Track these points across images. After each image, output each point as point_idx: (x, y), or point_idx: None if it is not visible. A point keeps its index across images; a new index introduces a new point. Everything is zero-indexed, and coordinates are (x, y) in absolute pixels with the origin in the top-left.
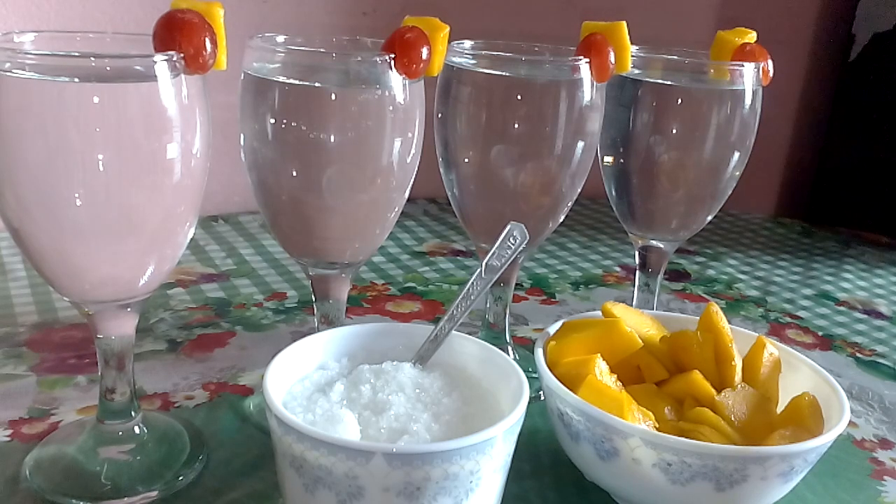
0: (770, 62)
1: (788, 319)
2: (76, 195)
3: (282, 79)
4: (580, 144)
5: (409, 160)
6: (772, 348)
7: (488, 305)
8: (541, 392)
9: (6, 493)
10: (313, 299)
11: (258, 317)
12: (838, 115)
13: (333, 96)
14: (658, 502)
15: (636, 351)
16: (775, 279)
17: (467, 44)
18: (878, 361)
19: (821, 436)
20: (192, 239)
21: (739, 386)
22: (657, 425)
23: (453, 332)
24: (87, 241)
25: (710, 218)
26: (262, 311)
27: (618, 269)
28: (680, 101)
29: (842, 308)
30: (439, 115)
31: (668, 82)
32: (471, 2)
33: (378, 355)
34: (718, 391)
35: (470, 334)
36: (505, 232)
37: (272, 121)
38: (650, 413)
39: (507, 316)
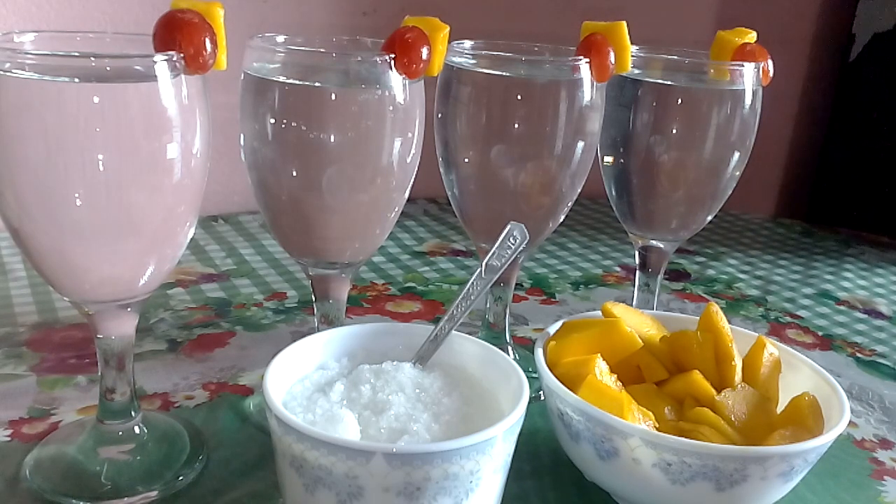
0: (770, 62)
1: (788, 319)
2: (76, 195)
3: (282, 79)
4: (580, 144)
5: (409, 160)
6: (772, 348)
7: (488, 305)
8: (541, 392)
9: (6, 493)
10: (313, 299)
11: (258, 317)
12: (838, 115)
13: (333, 96)
14: (658, 502)
15: (636, 351)
16: (775, 279)
17: (467, 44)
18: (878, 361)
19: (821, 436)
20: (192, 239)
21: (739, 386)
22: (657, 425)
23: (453, 332)
24: (87, 241)
25: (710, 218)
26: (262, 311)
27: (618, 269)
28: (680, 101)
29: (842, 308)
30: (439, 115)
31: (668, 82)
32: (471, 2)
33: (378, 355)
34: (718, 391)
35: (470, 334)
36: (505, 232)
37: (272, 121)
38: (650, 413)
39: (507, 316)
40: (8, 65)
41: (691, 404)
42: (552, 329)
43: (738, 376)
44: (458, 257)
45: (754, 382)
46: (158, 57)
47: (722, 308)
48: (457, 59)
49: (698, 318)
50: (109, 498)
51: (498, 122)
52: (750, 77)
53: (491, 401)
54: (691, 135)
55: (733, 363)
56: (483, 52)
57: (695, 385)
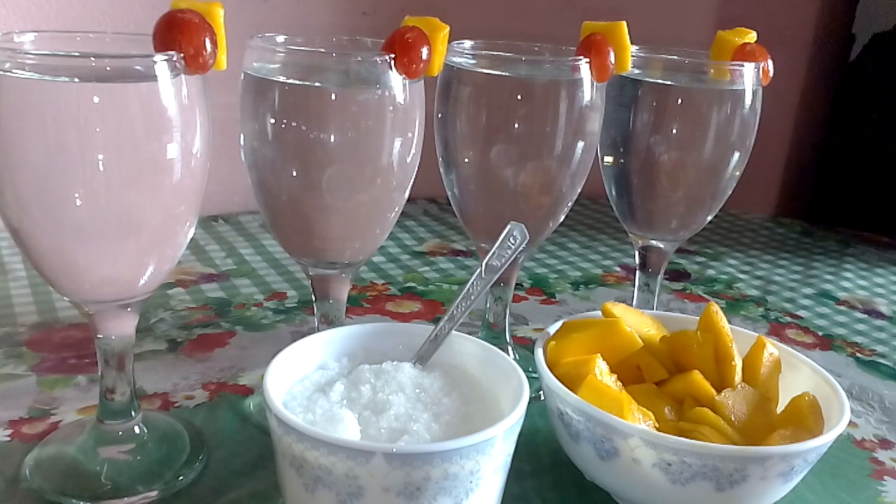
0: (770, 62)
1: (788, 319)
2: (76, 195)
3: (282, 79)
4: (580, 144)
5: (409, 160)
6: (772, 348)
7: (488, 305)
8: (541, 392)
9: (6, 493)
10: (313, 299)
11: (258, 317)
12: (838, 115)
13: (333, 96)
14: (658, 502)
15: (636, 351)
16: (775, 279)
17: (467, 44)
18: (878, 361)
19: (821, 436)
20: (192, 239)
21: (739, 386)
22: (657, 425)
23: (453, 332)
24: (87, 241)
25: (710, 218)
26: (262, 311)
27: (618, 269)
28: (680, 101)
29: (842, 308)
30: (439, 115)
31: (668, 82)
32: (471, 2)
33: (378, 355)
34: (718, 391)
35: (470, 334)
36: (505, 232)
37: (272, 121)
38: (650, 413)
39: (507, 316)
40: (8, 65)
41: (691, 404)
42: (552, 329)
43: (738, 376)
44: (458, 257)
45: (754, 382)
46: (158, 57)
47: (722, 308)
48: (457, 59)
49: (698, 318)
50: (109, 498)
51: (498, 122)
52: (750, 77)
53: (491, 401)
54: (691, 135)
55: (733, 363)
56: (483, 52)
57: (695, 385)
